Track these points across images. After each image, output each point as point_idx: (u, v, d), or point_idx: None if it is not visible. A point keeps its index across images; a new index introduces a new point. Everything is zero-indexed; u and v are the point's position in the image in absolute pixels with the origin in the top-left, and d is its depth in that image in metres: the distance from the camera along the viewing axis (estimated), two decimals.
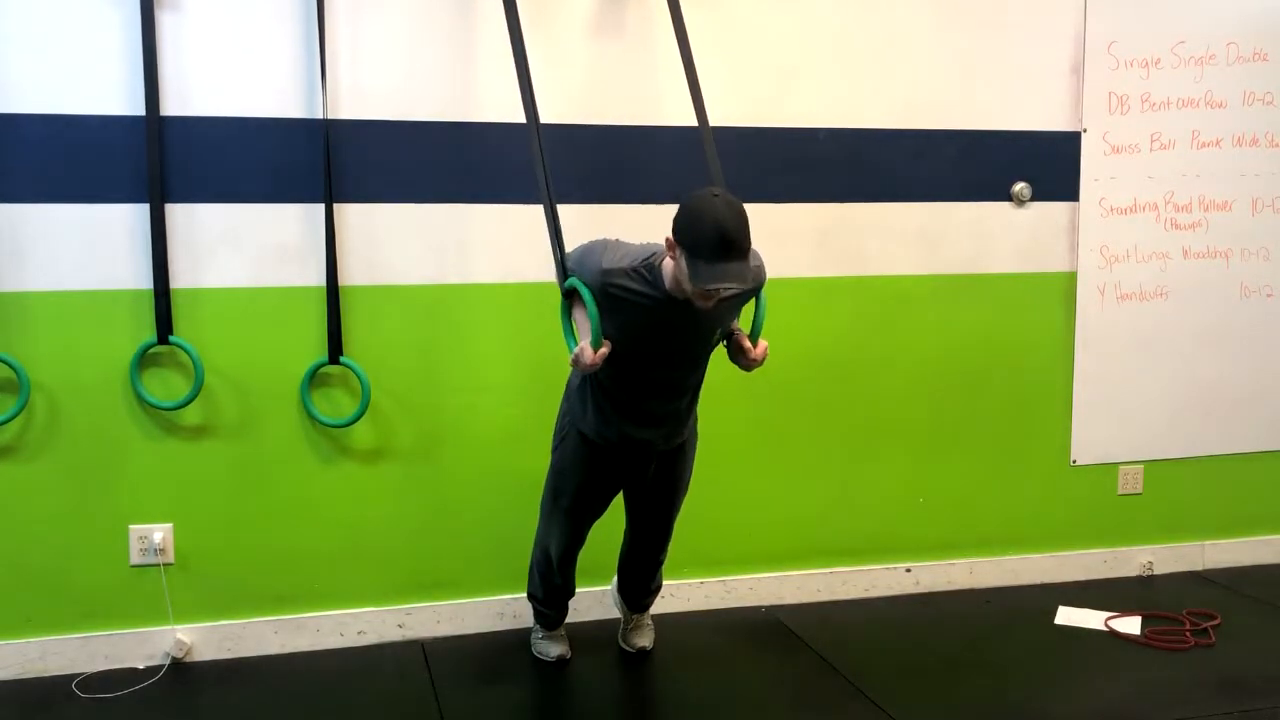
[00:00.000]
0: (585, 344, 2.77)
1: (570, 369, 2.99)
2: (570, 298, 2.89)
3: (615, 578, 3.54)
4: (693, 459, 3.25)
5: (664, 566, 3.50)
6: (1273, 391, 4.26)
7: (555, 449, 3.20)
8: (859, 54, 3.74)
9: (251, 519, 3.40)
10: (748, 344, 2.92)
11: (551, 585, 3.35)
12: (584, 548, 3.39)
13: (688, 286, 2.64)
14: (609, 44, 3.50)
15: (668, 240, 2.67)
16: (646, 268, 2.77)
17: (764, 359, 2.91)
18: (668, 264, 2.74)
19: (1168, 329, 4.12)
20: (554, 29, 3.46)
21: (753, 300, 2.95)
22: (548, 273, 3.04)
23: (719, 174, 3.18)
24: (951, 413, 3.97)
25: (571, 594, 3.42)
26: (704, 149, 3.20)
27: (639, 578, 3.42)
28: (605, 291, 2.78)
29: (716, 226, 2.56)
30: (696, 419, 3.21)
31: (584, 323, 2.81)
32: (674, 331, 2.84)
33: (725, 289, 2.59)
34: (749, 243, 2.62)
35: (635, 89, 3.53)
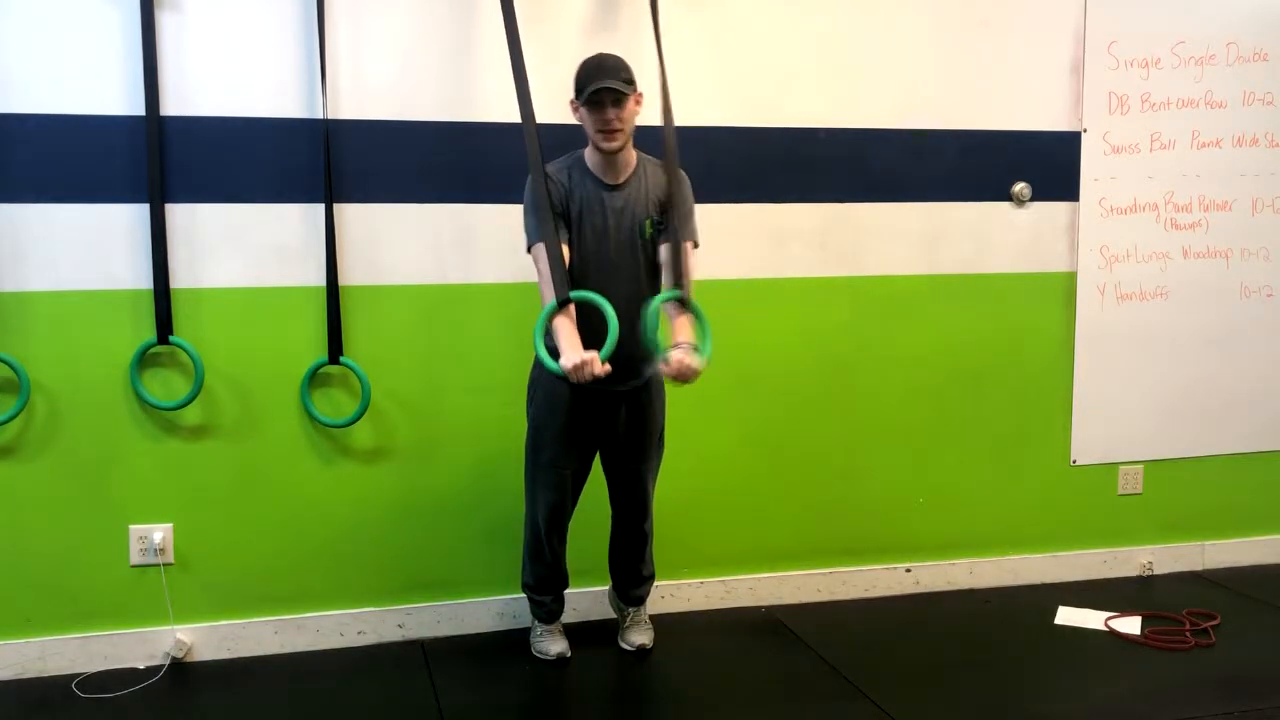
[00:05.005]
0: (595, 354, 2.90)
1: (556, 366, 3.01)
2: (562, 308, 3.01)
3: (610, 582, 3.55)
4: (662, 411, 3.31)
5: (661, 565, 3.50)
6: (1273, 391, 4.26)
7: (530, 401, 3.26)
8: (859, 54, 3.74)
9: (251, 519, 3.40)
10: (675, 356, 2.98)
11: (543, 563, 3.35)
12: (581, 549, 3.41)
13: (590, 126, 3.04)
14: (606, 44, 3.49)
15: (571, 103, 3.08)
16: (575, 160, 3.17)
17: (684, 373, 2.98)
18: (588, 151, 3.14)
19: (1168, 329, 4.12)
20: (551, 28, 3.46)
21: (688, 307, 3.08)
22: None
23: (676, 172, 3.18)
24: (951, 413, 3.97)
25: (564, 581, 3.43)
26: (665, 144, 3.22)
27: (628, 557, 3.44)
28: (565, 186, 3.11)
29: (589, 61, 3.06)
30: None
31: (565, 334, 2.97)
32: (611, 215, 3.12)
33: (604, 87, 2.98)
34: (627, 74, 3.04)
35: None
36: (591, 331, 3.01)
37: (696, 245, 3.20)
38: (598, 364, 2.90)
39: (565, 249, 3.09)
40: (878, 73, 3.76)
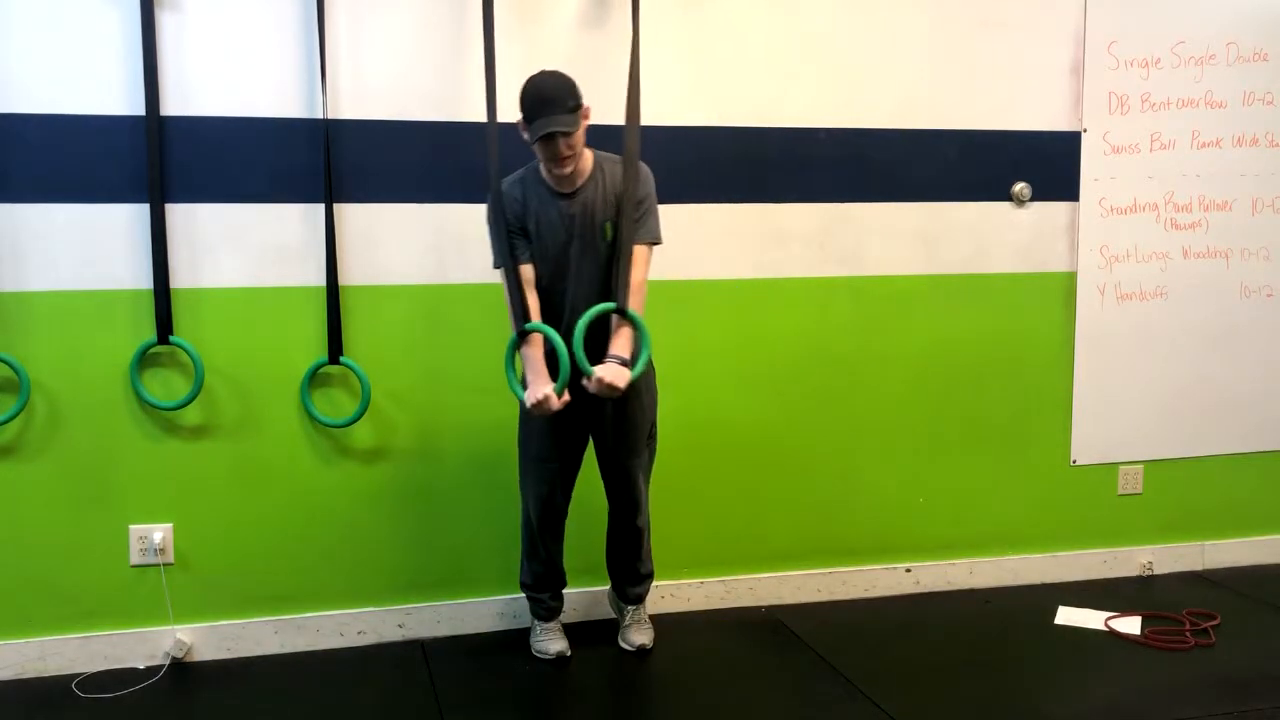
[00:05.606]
0: (550, 390, 3.04)
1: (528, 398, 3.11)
2: (522, 339, 3.10)
3: (609, 582, 3.55)
4: (652, 407, 3.33)
5: (661, 565, 3.50)
6: (1273, 391, 4.26)
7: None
8: (859, 54, 3.74)
9: (251, 519, 3.40)
10: (598, 374, 3.04)
11: (539, 560, 3.36)
12: (580, 549, 3.41)
13: (541, 156, 3.04)
14: (595, 43, 3.50)
15: (519, 123, 3.02)
16: (529, 171, 3.17)
17: (607, 392, 3.06)
18: (542, 166, 3.13)
19: (1168, 329, 4.12)
20: (543, 29, 3.46)
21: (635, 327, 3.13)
22: None
23: (634, 171, 3.18)
24: (951, 413, 3.97)
25: (562, 580, 3.44)
26: (626, 143, 3.22)
27: (625, 554, 3.44)
28: (520, 201, 3.13)
29: (533, 90, 3.00)
30: (652, 366, 3.30)
31: (530, 365, 3.10)
32: (569, 222, 3.13)
33: (552, 131, 2.95)
34: (572, 100, 2.99)
35: (620, 88, 3.52)
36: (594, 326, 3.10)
37: (658, 243, 3.21)
38: (554, 400, 3.04)
39: (529, 268, 3.14)
40: (877, 73, 3.76)
